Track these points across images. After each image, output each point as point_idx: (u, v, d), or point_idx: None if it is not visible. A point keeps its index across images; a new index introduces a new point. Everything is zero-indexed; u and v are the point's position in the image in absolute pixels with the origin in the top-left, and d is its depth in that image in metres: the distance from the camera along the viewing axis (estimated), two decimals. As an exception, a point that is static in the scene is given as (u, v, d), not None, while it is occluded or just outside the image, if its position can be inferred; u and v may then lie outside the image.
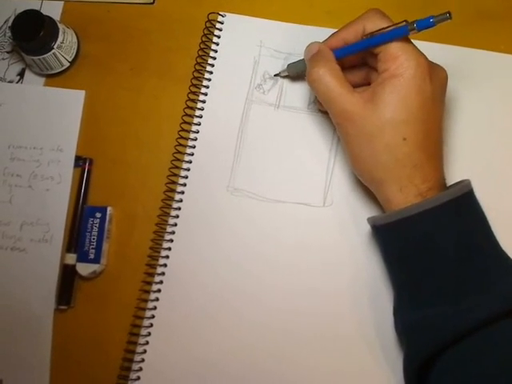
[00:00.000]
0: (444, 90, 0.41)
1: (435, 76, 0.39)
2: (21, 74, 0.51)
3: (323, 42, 0.43)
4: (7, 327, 0.46)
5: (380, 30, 0.39)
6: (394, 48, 0.38)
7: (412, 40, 0.39)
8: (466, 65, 0.46)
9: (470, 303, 0.36)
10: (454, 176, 0.42)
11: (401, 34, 0.38)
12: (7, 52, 0.52)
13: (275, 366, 0.43)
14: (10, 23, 0.52)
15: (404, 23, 0.38)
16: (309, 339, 0.43)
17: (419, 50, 0.39)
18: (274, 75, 0.48)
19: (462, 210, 0.38)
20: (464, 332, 0.36)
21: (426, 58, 0.39)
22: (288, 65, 0.47)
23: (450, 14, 0.36)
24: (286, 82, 0.48)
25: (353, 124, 0.40)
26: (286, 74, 0.47)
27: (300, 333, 0.43)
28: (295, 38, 0.48)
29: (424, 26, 0.37)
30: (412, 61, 0.38)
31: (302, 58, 0.44)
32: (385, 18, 0.40)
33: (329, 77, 0.40)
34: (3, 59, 0.52)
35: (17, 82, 0.51)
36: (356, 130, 0.40)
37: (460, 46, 0.47)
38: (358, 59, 0.44)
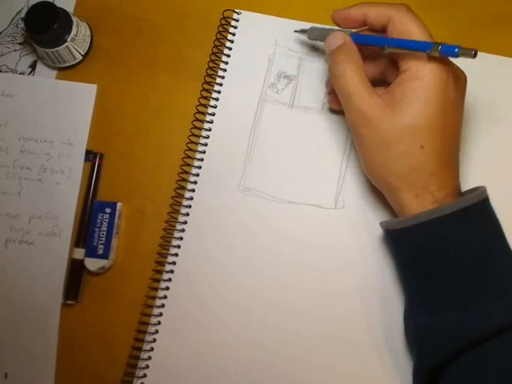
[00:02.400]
0: (464, 94, 0.40)
1: (457, 80, 0.38)
2: (32, 66, 0.51)
3: (342, 9, 0.41)
4: (13, 320, 0.45)
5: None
6: None
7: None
8: (482, 70, 0.46)
9: (481, 310, 0.36)
10: (468, 183, 0.41)
11: (422, 49, 0.37)
12: (19, 43, 0.52)
13: (283, 367, 0.43)
14: (22, 14, 0.52)
15: (431, 42, 0.37)
16: (317, 340, 0.43)
17: None
18: (294, 31, 0.47)
19: (476, 217, 0.38)
20: (475, 339, 0.36)
21: (450, 61, 0.38)
22: (311, 27, 0.45)
23: (475, 53, 0.35)
24: (300, 82, 0.48)
25: (369, 127, 0.38)
26: (304, 35, 0.46)
27: (307, 333, 0.43)
28: (310, 38, 0.48)
29: (447, 52, 0.36)
30: (435, 64, 0.37)
31: (328, 28, 0.43)
32: (413, 17, 0.38)
33: (352, 74, 0.39)
34: (15, 50, 0.51)
35: (28, 74, 0.50)
36: (371, 133, 0.39)
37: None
38: (380, 49, 0.41)
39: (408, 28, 0.38)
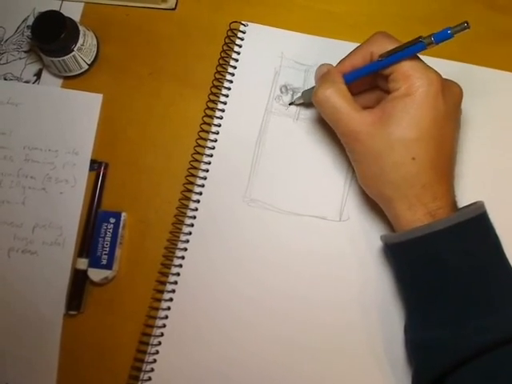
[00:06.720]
0: (458, 106, 0.40)
1: (449, 93, 0.39)
2: (38, 75, 0.51)
3: (337, 67, 0.42)
4: (15, 330, 0.45)
5: (394, 49, 0.38)
6: (405, 67, 0.38)
7: (430, 57, 0.39)
8: (482, 84, 0.46)
9: (479, 325, 0.36)
10: (466, 196, 0.41)
11: (418, 50, 0.37)
12: (24, 51, 0.51)
13: (284, 377, 0.43)
14: (28, 22, 0.52)
15: (420, 40, 0.37)
16: (318, 351, 0.43)
17: (431, 68, 0.38)
18: (289, 104, 0.48)
19: (473, 232, 0.38)
20: (473, 354, 0.36)
21: (439, 75, 0.38)
22: (303, 92, 0.47)
23: (467, 24, 0.35)
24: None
25: (360, 143, 0.39)
26: (301, 101, 0.47)
27: (310, 344, 0.43)
28: (317, 51, 0.48)
29: (442, 38, 0.36)
30: (424, 79, 0.38)
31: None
32: (391, 40, 0.39)
33: (335, 97, 0.40)
34: (20, 58, 0.51)
35: (33, 83, 0.50)
36: (364, 148, 0.39)
37: (479, 66, 0.47)
38: (369, 83, 0.43)
39: (387, 49, 0.39)
